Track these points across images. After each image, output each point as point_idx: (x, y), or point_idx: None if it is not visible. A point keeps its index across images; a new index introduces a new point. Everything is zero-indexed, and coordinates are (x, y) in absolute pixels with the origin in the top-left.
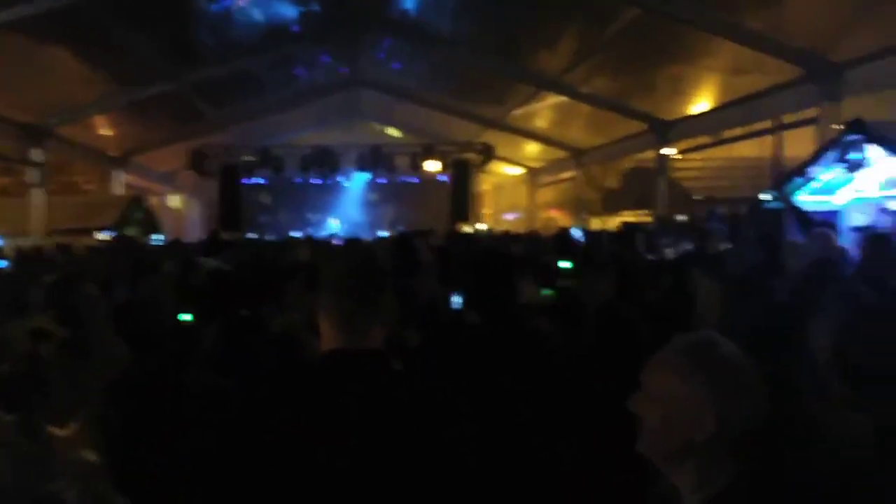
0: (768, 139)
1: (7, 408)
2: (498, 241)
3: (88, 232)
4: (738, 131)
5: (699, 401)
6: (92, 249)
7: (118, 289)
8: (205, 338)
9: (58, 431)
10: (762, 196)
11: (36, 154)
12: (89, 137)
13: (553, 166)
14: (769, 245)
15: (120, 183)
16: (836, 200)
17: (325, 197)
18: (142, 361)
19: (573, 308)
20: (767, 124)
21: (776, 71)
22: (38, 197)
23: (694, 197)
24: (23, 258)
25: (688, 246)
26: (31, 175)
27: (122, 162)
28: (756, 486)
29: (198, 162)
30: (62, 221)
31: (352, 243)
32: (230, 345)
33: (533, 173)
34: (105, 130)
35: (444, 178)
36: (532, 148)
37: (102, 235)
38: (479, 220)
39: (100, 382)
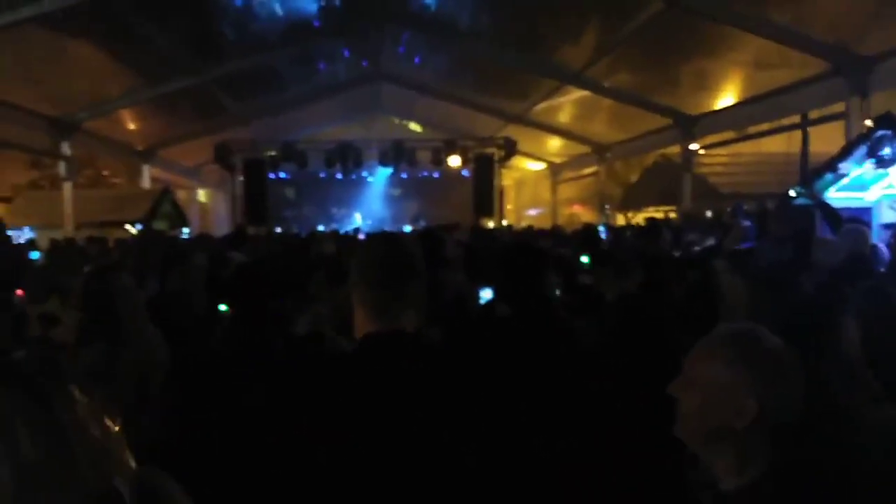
0: (795, 134)
1: (26, 392)
2: (522, 237)
3: (118, 225)
4: (764, 126)
5: (741, 388)
6: (122, 242)
7: (150, 281)
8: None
9: (83, 416)
10: (790, 192)
11: (64, 147)
12: (116, 131)
13: (575, 161)
14: (799, 241)
15: (147, 177)
16: (868, 197)
17: (349, 191)
18: (178, 352)
19: (596, 303)
20: (794, 119)
21: (803, 65)
22: (68, 190)
23: (720, 192)
24: (55, 250)
25: (714, 242)
26: (61, 168)
27: (148, 156)
28: (792, 475)
29: (222, 156)
30: (92, 214)
31: (381, 234)
32: (249, 337)
33: (555, 168)
34: (131, 124)
35: (467, 172)
36: (554, 143)
37: (132, 228)
38: (501, 215)
39: (135, 369)
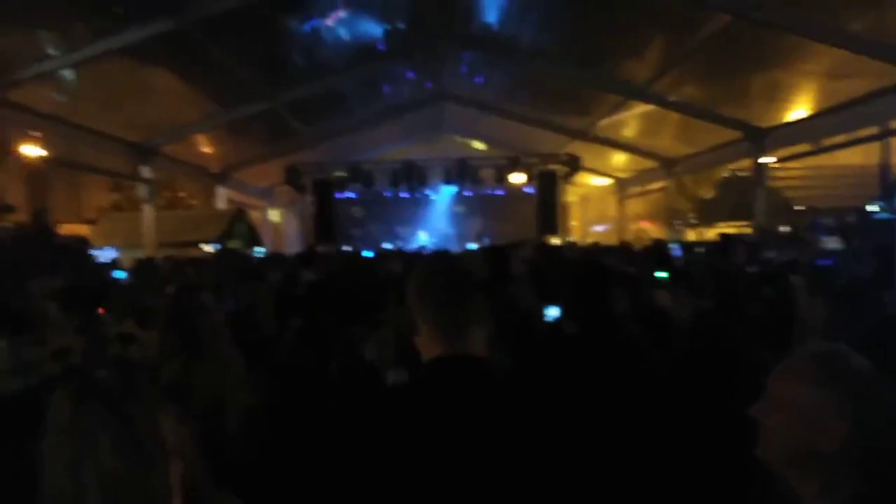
0: (873, 146)
1: (109, 408)
2: (589, 254)
3: (195, 244)
4: (840, 138)
5: (829, 410)
6: (199, 261)
7: (227, 298)
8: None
9: (156, 428)
10: (870, 206)
11: (144, 171)
12: (192, 155)
13: (642, 176)
14: (881, 257)
15: (221, 198)
16: None
17: (414, 210)
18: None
19: (668, 320)
20: (873, 130)
21: (880, 74)
22: (148, 212)
23: (795, 207)
24: (139, 269)
25: (791, 257)
26: (141, 191)
27: (222, 178)
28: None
29: (293, 178)
30: (171, 235)
31: (437, 252)
32: (309, 357)
33: (621, 183)
34: (206, 148)
35: (531, 189)
36: (620, 158)
37: (208, 248)
38: (566, 232)
39: (212, 385)
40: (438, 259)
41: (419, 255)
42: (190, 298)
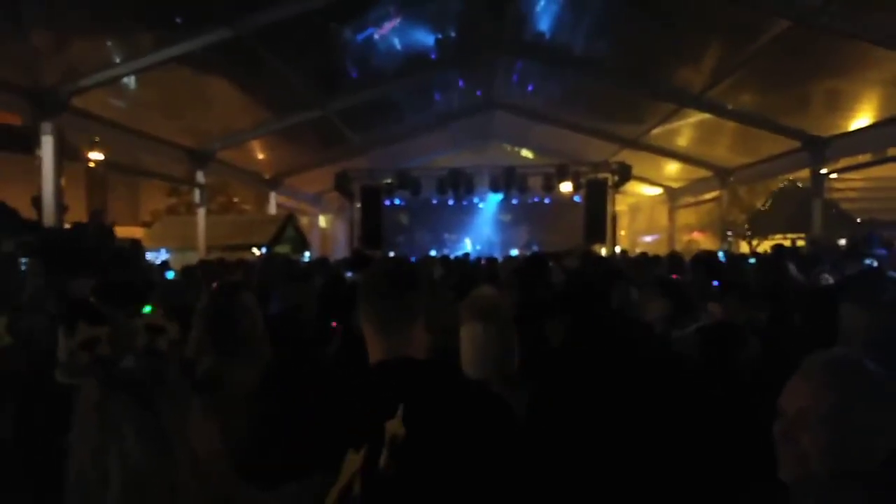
0: None
1: (135, 399)
2: (638, 264)
3: (246, 248)
4: None
5: (870, 427)
6: (247, 263)
7: (274, 300)
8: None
9: (181, 420)
10: None
11: (199, 176)
12: (246, 161)
13: (695, 186)
14: None
15: (273, 203)
16: None
17: (460, 217)
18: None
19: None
20: None
21: None
22: (201, 215)
23: (854, 219)
24: (186, 271)
25: (847, 271)
26: (196, 195)
27: (274, 184)
28: None
29: (342, 184)
30: (222, 238)
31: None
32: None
33: (672, 193)
34: (260, 154)
35: (579, 198)
36: (672, 167)
37: (257, 251)
38: (614, 241)
39: (244, 383)
40: (388, 262)
41: (461, 262)
42: (230, 297)
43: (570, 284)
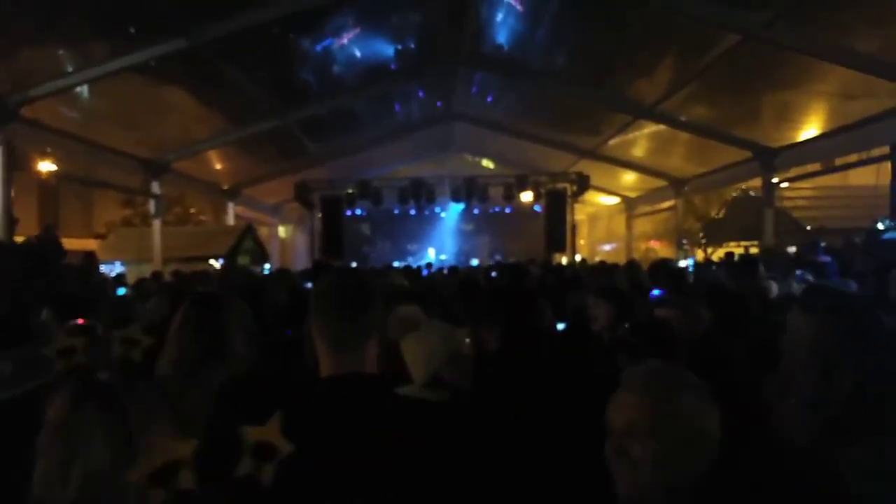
0: (884, 166)
1: (104, 408)
2: (596, 271)
3: (203, 260)
4: (851, 158)
5: (692, 434)
6: (202, 274)
7: None
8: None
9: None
10: (878, 225)
11: (155, 187)
12: (203, 171)
13: (651, 195)
14: (881, 276)
15: (231, 214)
16: None
17: (422, 227)
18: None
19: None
20: (883, 150)
21: (890, 94)
22: (157, 227)
23: (805, 227)
24: (138, 285)
25: (798, 278)
26: (151, 206)
27: (233, 194)
28: None
29: (302, 194)
30: (179, 250)
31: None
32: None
33: (630, 202)
34: (218, 165)
35: (539, 208)
36: (628, 177)
37: (216, 263)
38: (574, 250)
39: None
40: (339, 277)
41: (421, 271)
42: (210, 307)
43: (498, 294)
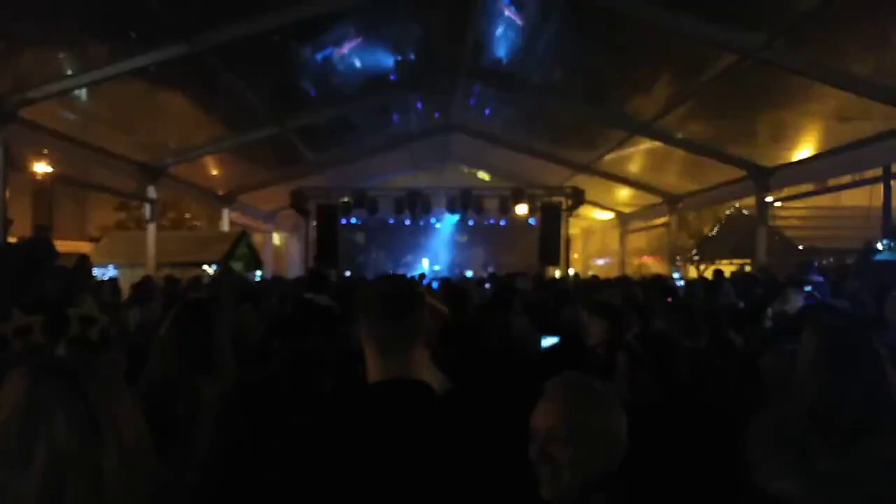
0: (877, 188)
1: (66, 384)
2: (589, 285)
3: (197, 265)
4: (844, 179)
5: (604, 437)
6: (195, 280)
7: None
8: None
9: (114, 410)
10: (878, 246)
11: (150, 191)
12: (199, 177)
13: (645, 211)
14: (878, 297)
15: (226, 220)
16: None
17: (417, 237)
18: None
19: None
20: (877, 172)
21: (885, 117)
22: (151, 231)
23: (797, 246)
24: (132, 289)
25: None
26: (146, 211)
27: (228, 200)
28: None
29: (298, 202)
30: (173, 255)
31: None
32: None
33: (624, 218)
34: (214, 171)
35: (534, 221)
36: (623, 192)
37: (209, 269)
38: (567, 264)
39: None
40: (384, 281)
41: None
42: (202, 313)
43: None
